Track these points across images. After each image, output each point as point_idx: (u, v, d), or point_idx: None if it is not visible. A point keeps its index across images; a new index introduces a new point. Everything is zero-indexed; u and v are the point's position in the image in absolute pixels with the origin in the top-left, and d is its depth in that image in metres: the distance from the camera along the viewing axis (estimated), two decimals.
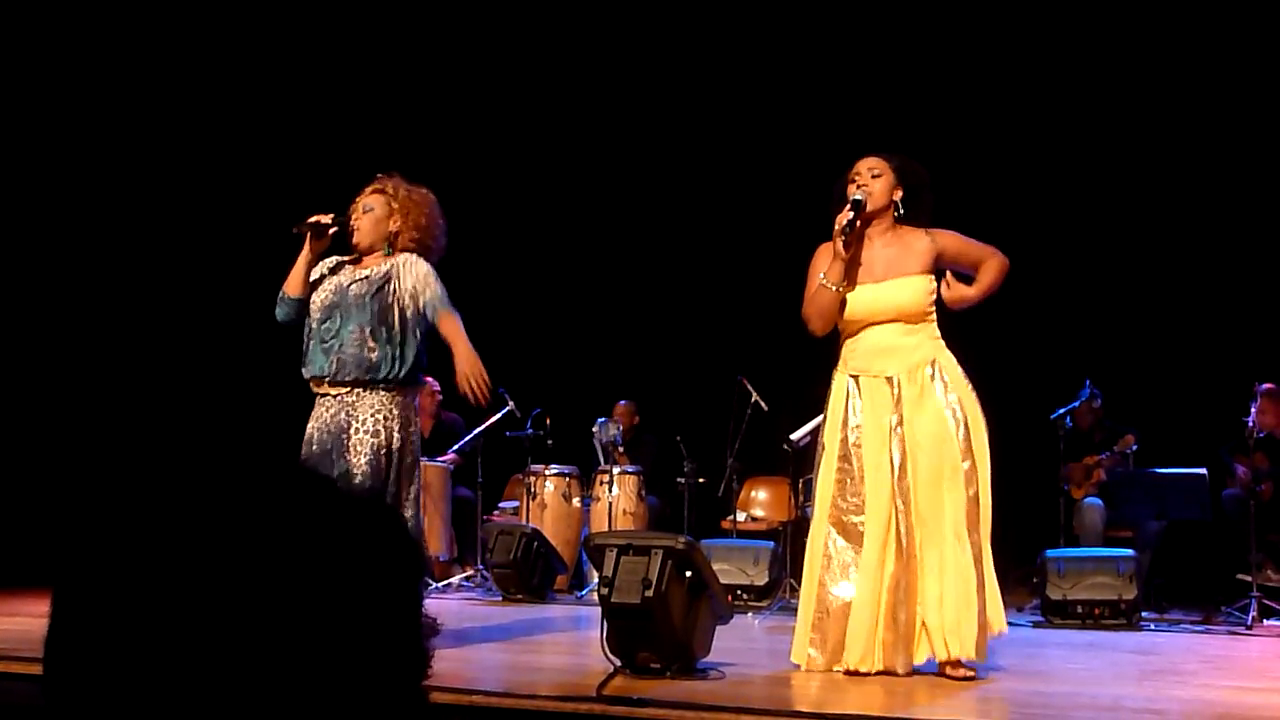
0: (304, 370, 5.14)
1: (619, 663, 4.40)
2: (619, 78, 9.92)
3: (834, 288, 4.80)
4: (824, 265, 4.89)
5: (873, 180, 4.87)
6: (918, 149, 5.06)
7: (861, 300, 4.85)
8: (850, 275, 4.85)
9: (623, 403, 9.50)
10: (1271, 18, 8.44)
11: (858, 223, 4.81)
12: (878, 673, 4.58)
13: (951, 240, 4.90)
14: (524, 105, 10.09)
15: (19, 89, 8.53)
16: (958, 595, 4.59)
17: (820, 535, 4.82)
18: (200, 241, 8.93)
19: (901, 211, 4.89)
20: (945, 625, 4.58)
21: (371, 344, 4.99)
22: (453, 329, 5.01)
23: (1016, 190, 9.02)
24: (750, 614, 7.01)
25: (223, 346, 8.60)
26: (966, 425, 4.71)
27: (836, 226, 4.79)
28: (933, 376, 4.76)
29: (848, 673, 4.62)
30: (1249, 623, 6.85)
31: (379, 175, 5.30)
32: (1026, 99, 9.11)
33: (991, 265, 4.86)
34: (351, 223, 5.20)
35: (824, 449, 4.92)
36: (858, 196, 4.81)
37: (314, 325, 5.13)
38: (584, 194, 10.20)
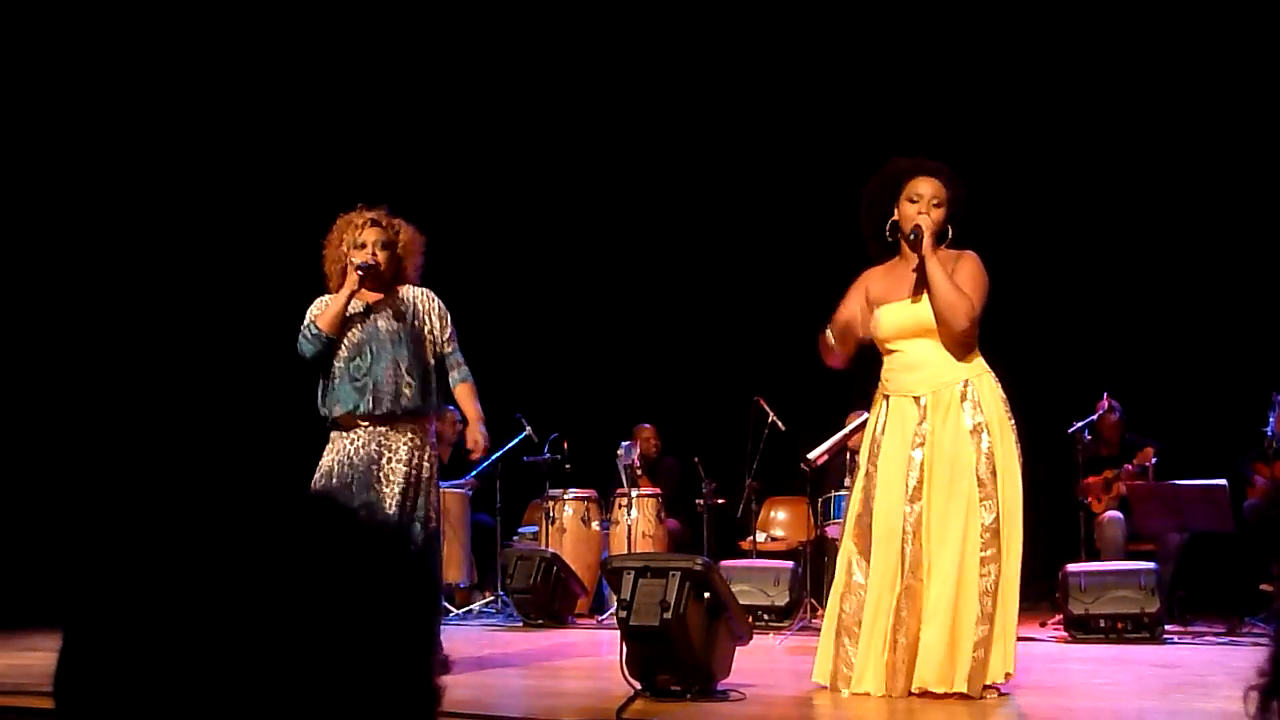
0: (326, 407, 5.18)
1: (639, 686, 4.40)
2: (638, 99, 9.95)
3: (829, 335, 4.88)
4: (859, 290, 4.91)
5: (934, 209, 4.76)
6: (935, 158, 5.02)
7: (894, 317, 4.81)
8: (886, 293, 4.85)
9: (645, 425, 9.51)
10: None
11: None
12: (882, 696, 4.54)
13: (964, 268, 4.77)
14: (543, 127, 10.12)
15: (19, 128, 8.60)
16: (959, 627, 4.50)
17: (844, 554, 4.79)
18: (212, 274, 8.96)
19: (949, 237, 4.82)
20: (941, 656, 4.50)
21: (408, 379, 5.16)
22: (469, 400, 5.44)
23: (1033, 203, 9.02)
24: (771, 635, 6.99)
25: (232, 377, 8.62)
26: (991, 454, 4.58)
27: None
28: (963, 397, 4.66)
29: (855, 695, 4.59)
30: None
31: (363, 206, 5.32)
32: (1044, 111, 9.12)
33: (954, 303, 4.70)
34: (372, 260, 5.22)
35: (859, 469, 4.91)
36: (919, 226, 4.71)
37: (341, 364, 5.19)
38: (599, 219, 10.22)
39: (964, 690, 4.46)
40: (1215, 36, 8.72)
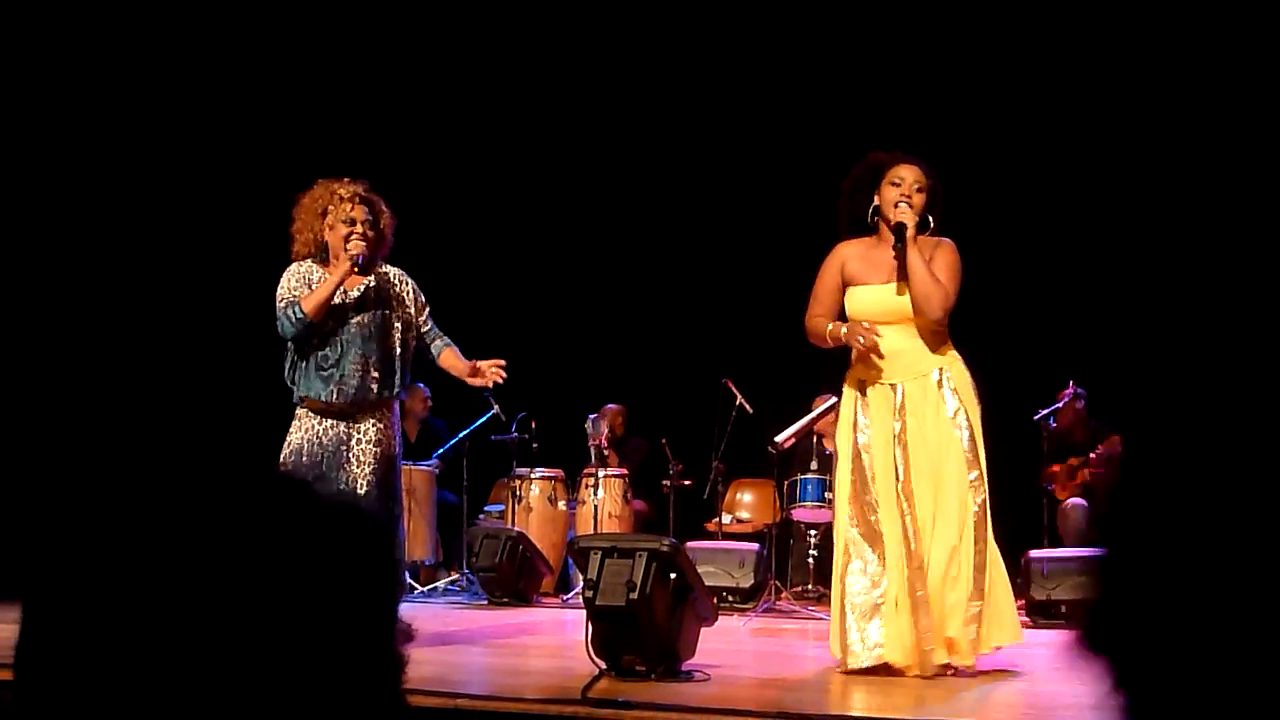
0: (293, 384, 5.15)
1: (604, 665, 4.40)
2: (610, 79, 9.91)
3: (829, 337, 4.82)
4: (835, 266, 4.89)
5: (917, 194, 4.76)
6: (904, 147, 5.04)
7: (870, 299, 4.81)
8: (863, 274, 4.85)
9: (611, 405, 9.50)
10: (1266, 22, 8.47)
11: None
12: (916, 675, 4.58)
13: (940, 256, 4.79)
14: (515, 104, 10.07)
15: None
16: (963, 603, 4.59)
17: (841, 535, 4.82)
18: (167, 247, 8.86)
19: (931, 225, 4.83)
20: (950, 632, 4.60)
21: (375, 373, 5.13)
22: (455, 358, 5.38)
23: (999, 190, 9.04)
24: (736, 616, 7.00)
25: (196, 352, 8.54)
26: (972, 435, 4.70)
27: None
28: (940, 384, 4.74)
29: (889, 669, 4.61)
30: None
31: (349, 180, 5.22)
32: (1011, 100, 9.13)
33: (930, 293, 4.73)
34: (359, 237, 5.12)
35: (837, 456, 4.93)
36: (904, 221, 4.70)
37: (311, 351, 5.14)
38: (567, 199, 10.19)
39: (969, 663, 4.61)
40: (1195, 36, 8.75)
